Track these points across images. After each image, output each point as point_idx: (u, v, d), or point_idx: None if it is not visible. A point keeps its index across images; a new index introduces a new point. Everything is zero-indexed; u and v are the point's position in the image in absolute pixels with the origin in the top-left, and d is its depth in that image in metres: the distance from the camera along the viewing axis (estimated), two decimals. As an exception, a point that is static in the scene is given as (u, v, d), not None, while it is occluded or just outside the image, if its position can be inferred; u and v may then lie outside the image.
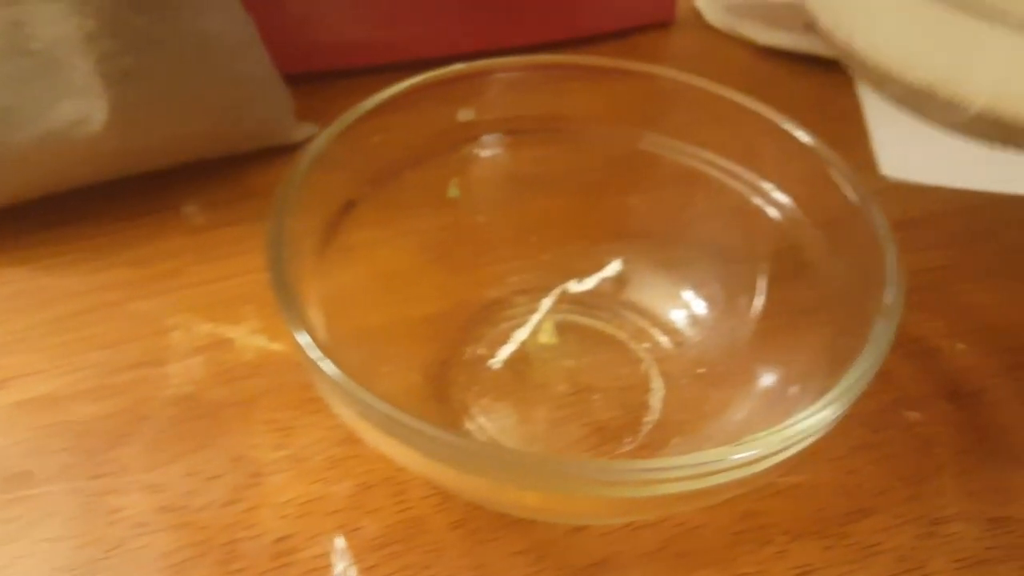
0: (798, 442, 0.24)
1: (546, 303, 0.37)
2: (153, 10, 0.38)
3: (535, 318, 0.36)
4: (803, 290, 0.33)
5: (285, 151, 0.45)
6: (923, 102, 0.28)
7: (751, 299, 0.34)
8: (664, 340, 0.36)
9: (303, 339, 0.25)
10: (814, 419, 0.24)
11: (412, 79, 0.33)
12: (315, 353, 0.25)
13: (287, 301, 0.26)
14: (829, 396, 0.24)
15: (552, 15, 0.52)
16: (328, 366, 0.24)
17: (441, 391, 0.34)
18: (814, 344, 0.30)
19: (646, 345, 0.36)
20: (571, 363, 0.35)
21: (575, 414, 0.34)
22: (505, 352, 0.35)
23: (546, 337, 0.36)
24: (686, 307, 0.36)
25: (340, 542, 0.30)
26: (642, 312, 0.37)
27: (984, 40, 0.24)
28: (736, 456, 0.23)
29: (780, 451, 0.24)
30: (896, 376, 0.36)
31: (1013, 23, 0.23)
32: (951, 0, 0.24)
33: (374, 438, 0.26)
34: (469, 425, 0.33)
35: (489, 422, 0.33)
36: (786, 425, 0.24)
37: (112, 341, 0.36)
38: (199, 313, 0.37)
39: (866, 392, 0.35)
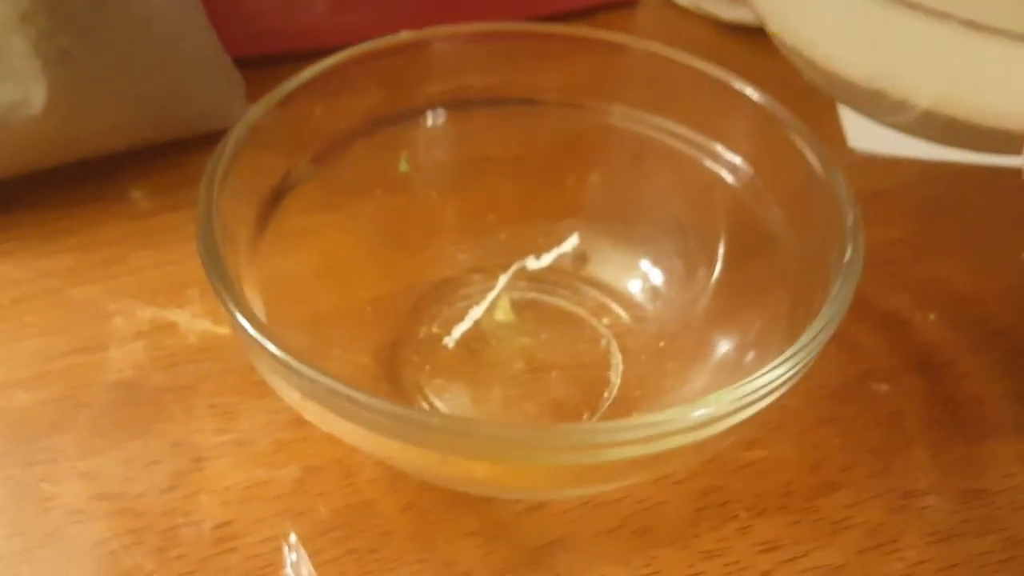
0: (752, 402, 0.23)
1: (503, 280, 0.35)
2: (92, -13, 0.37)
3: (491, 296, 0.35)
4: (763, 260, 0.32)
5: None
6: (870, 102, 0.28)
7: (711, 271, 0.33)
8: (624, 315, 0.35)
9: (237, 314, 0.24)
10: (767, 376, 0.23)
11: (356, 47, 0.32)
12: (249, 327, 0.24)
13: (220, 277, 0.25)
14: (784, 355, 0.23)
15: (513, -5, 0.51)
16: (265, 341, 0.23)
17: (393, 372, 0.33)
18: (774, 313, 0.29)
19: (606, 321, 0.35)
20: (528, 341, 0.34)
21: (531, 392, 0.32)
22: (460, 331, 0.34)
23: (502, 315, 0.35)
24: (646, 281, 0.35)
25: (285, 527, 0.29)
26: (602, 287, 0.35)
27: (929, 41, 0.24)
28: (689, 416, 0.22)
29: (734, 411, 0.23)
30: (864, 348, 0.35)
31: (956, 26, 0.23)
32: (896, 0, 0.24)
33: (313, 413, 0.25)
34: (422, 405, 0.32)
35: (442, 402, 0.32)
36: (740, 384, 0.23)
37: (51, 328, 0.34)
38: (142, 298, 0.35)
39: (833, 365, 0.34)
